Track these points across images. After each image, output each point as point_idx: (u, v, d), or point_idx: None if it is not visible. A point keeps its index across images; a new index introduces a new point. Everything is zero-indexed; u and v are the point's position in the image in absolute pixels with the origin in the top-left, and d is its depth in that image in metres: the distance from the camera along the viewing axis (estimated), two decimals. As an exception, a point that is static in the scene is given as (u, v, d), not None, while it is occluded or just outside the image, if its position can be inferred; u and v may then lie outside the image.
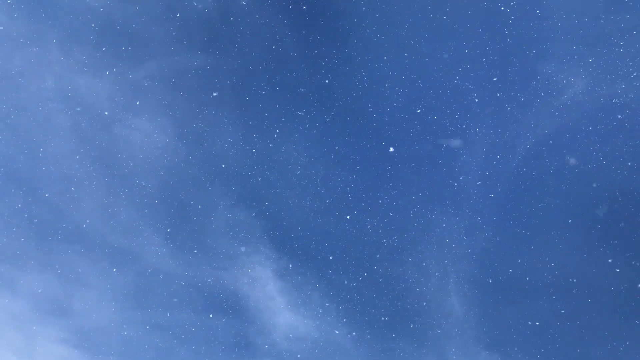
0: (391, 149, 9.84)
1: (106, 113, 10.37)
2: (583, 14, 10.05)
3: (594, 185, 10.40)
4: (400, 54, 10.56)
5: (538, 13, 10.21)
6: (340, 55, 10.61)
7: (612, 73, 10.13)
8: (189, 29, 10.33)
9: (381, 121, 10.82)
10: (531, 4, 10.20)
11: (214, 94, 10.59)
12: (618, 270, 10.46)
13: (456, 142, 10.79)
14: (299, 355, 11.23)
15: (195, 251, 10.94)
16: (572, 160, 9.59)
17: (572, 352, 10.61)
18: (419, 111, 10.70)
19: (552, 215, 10.67)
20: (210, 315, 11.10)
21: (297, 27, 10.56)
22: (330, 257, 11.12)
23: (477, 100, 10.60)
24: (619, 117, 10.23)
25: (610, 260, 10.47)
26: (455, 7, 10.35)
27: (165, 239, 10.87)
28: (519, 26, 10.28)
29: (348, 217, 11.05)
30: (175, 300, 11.01)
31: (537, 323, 10.77)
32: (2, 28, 9.78)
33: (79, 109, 10.27)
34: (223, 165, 10.78)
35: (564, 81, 10.32)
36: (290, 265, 11.15)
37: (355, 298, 11.18)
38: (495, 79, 10.47)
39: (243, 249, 11.03)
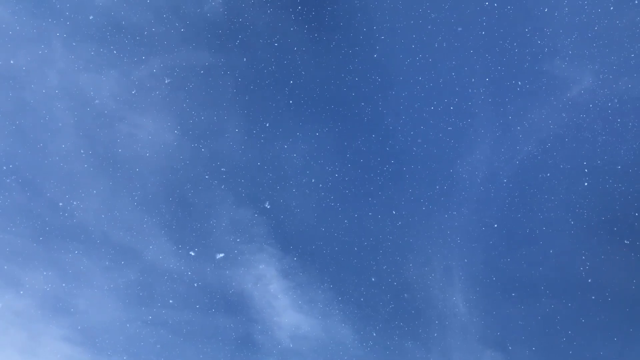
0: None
1: (110, 111, 10.35)
2: (589, 12, 10.03)
3: (597, 184, 10.41)
4: (405, 53, 10.54)
5: (543, 12, 10.19)
6: (345, 55, 10.59)
7: (617, 71, 10.12)
8: (194, 27, 10.30)
9: (385, 121, 10.82)
10: (536, 2, 10.18)
11: (219, 93, 10.58)
12: (620, 269, 10.49)
13: (459, 141, 10.80)
14: (302, 354, 11.26)
15: (199, 250, 10.94)
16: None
17: (575, 351, 10.64)
18: (423, 111, 10.69)
19: (555, 214, 10.68)
20: (214, 314, 11.13)
21: (303, 26, 10.54)
22: (334, 256, 11.13)
23: (481, 99, 10.60)
24: (623, 115, 10.23)
25: (613, 260, 10.49)
26: (460, 6, 10.33)
27: (169, 237, 10.87)
28: (524, 25, 10.26)
29: (353, 216, 11.07)
30: (179, 298, 11.03)
31: (540, 322, 10.80)
32: (5, 26, 9.73)
33: (82, 107, 10.24)
34: (227, 164, 10.77)
35: (568, 79, 10.32)
36: (295, 262, 11.17)
37: (359, 297, 11.19)
38: (499, 78, 10.47)
39: (247, 247, 11.04)
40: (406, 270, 11.11)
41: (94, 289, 10.85)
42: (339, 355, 11.22)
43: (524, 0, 10.14)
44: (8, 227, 10.35)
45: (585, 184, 10.41)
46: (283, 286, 11.18)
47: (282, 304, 11.21)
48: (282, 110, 10.75)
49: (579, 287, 10.63)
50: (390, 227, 11.01)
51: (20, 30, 9.78)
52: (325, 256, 11.11)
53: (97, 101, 10.25)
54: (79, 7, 9.89)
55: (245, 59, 10.51)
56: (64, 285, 10.73)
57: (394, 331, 11.13)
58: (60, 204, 10.45)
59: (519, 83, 10.41)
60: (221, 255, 9.82)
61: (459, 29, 10.33)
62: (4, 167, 10.16)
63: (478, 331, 10.96)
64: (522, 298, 10.84)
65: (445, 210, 10.97)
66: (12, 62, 9.84)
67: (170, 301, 11.01)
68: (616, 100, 10.19)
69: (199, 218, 10.87)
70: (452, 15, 10.32)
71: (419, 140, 10.81)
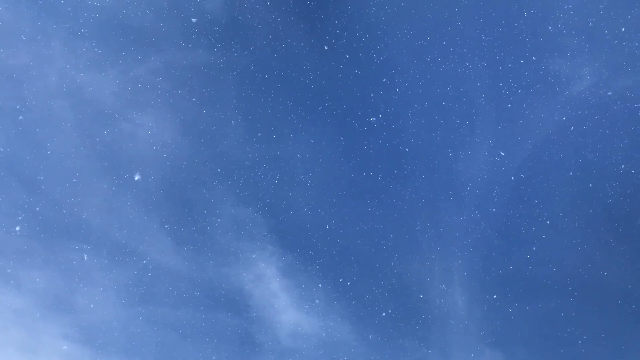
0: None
1: (110, 110, 10.33)
2: (589, 9, 10.01)
3: (597, 183, 10.42)
4: (406, 52, 10.52)
5: (543, 11, 10.17)
6: (345, 55, 10.57)
7: (618, 69, 10.12)
8: (194, 26, 10.26)
9: (384, 121, 10.80)
10: (536, 1, 10.17)
11: (219, 92, 10.56)
12: (620, 269, 10.52)
13: (459, 141, 10.80)
14: (302, 352, 11.28)
15: (199, 248, 10.95)
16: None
17: (574, 351, 10.68)
18: (423, 111, 10.69)
19: (555, 214, 10.70)
20: (214, 312, 11.14)
21: (304, 25, 10.51)
22: (334, 255, 11.14)
23: (481, 97, 10.59)
24: (624, 115, 10.24)
25: (612, 259, 10.52)
26: (460, 4, 10.31)
27: (169, 236, 10.87)
28: (524, 22, 10.24)
29: (353, 215, 11.07)
30: (179, 297, 11.03)
31: (539, 321, 10.84)
32: (5, 24, 9.69)
33: (83, 105, 10.23)
34: (228, 163, 10.76)
35: (569, 78, 10.32)
36: (295, 261, 11.19)
37: (359, 295, 11.21)
38: (499, 76, 10.46)
39: (247, 246, 11.04)
40: (406, 269, 11.13)
41: (94, 288, 10.86)
42: (339, 354, 11.25)
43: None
44: (8, 225, 10.34)
45: (585, 183, 10.43)
46: (283, 285, 11.20)
47: (282, 302, 11.23)
48: (282, 110, 10.74)
49: (579, 287, 10.67)
50: (390, 226, 11.03)
51: (21, 29, 9.75)
52: (325, 255, 11.12)
53: (97, 100, 10.24)
54: (79, 6, 9.85)
55: (245, 58, 10.49)
56: (64, 283, 10.73)
57: (394, 330, 11.17)
58: (60, 202, 10.43)
59: (519, 83, 10.41)
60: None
61: (459, 27, 10.32)
62: (4, 167, 10.14)
63: (478, 330, 10.99)
64: (522, 298, 10.88)
65: (445, 210, 10.99)
66: (12, 61, 9.81)
67: (170, 300, 11.02)
68: (616, 100, 10.20)
69: (199, 217, 10.87)
70: (452, 14, 10.31)
71: (419, 141, 10.82)
